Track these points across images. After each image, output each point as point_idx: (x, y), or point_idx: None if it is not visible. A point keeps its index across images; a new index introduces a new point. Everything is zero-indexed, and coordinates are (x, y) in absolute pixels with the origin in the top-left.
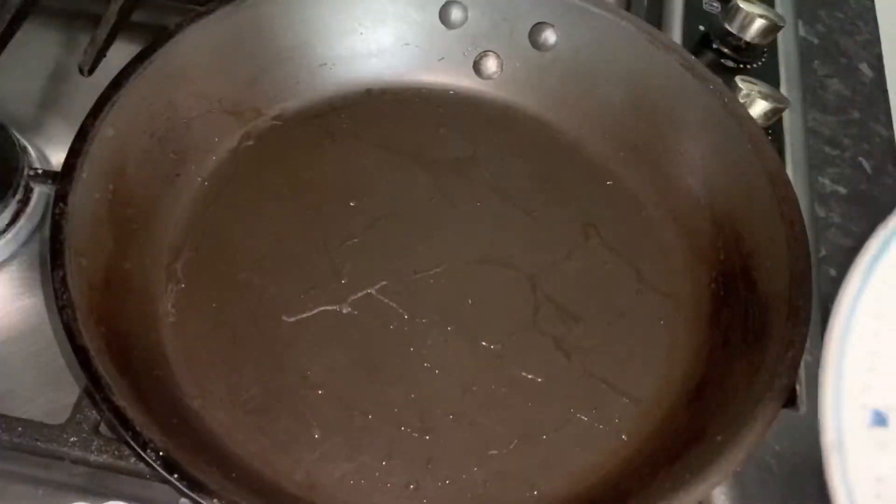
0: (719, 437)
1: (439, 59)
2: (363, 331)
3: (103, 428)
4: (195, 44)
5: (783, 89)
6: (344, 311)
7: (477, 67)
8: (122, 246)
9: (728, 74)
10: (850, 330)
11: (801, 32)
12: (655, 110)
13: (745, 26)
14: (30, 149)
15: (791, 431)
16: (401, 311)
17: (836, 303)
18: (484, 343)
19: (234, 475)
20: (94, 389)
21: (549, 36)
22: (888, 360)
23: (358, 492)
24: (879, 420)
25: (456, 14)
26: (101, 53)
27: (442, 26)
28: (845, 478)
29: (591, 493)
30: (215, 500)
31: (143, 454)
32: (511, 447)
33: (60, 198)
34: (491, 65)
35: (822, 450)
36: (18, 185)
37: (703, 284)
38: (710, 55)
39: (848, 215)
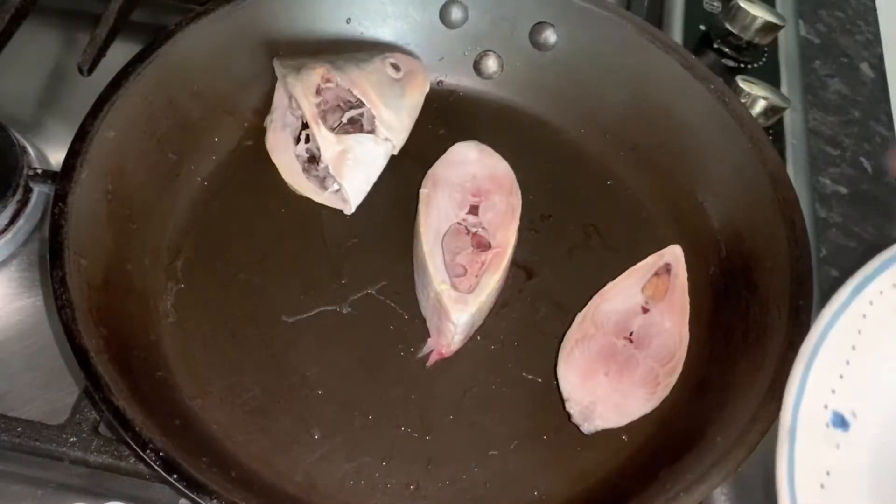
0: (719, 438)
1: (439, 59)
2: (363, 331)
3: (102, 428)
4: (194, 44)
5: (784, 89)
6: (344, 311)
7: (477, 67)
8: (122, 246)
9: (729, 74)
10: (827, 336)
11: (802, 32)
12: (656, 110)
13: (745, 26)
14: (29, 149)
15: None
16: (400, 311)
17: (828, 304)
18: (484, 343)
19: (233, 475)
20: (94, 390)
21: (550, 36)
22: (859, 373)
23: (358, 492)
24: (840, 423)
25: (456, 14)
26: (100, 53)
27: (442, 26)
28: (791, 464)
29: (591, 493)
30: (215, 501)
31: (142, 454)
32: (511, 447)
33: (60, 198)
34: (491, 64)
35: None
36: (18, 185)
37: (703, 284)
38: (710, 55)
39: (849, 215)
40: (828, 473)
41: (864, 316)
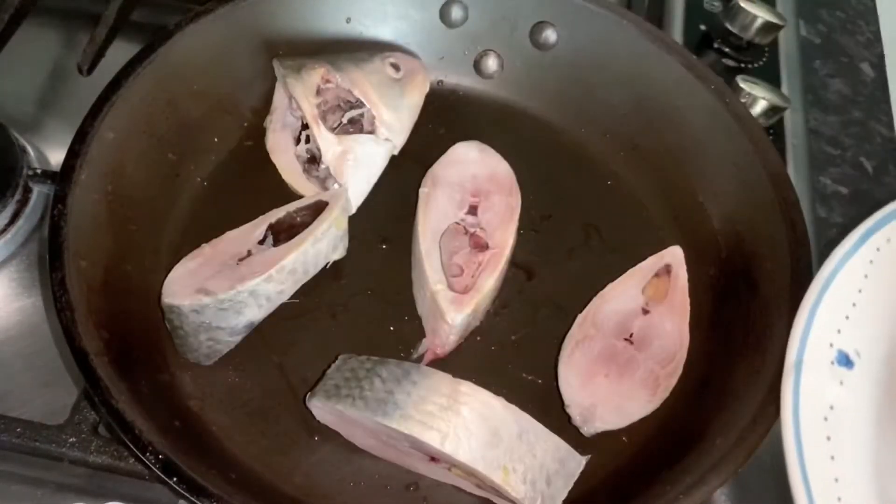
0: (720, 440)
1: (440, 59)
2: (362, 331)
3: (102, 429)
4: (194, 43)
5: (784, 89)
6: (343, 311)
7: (477, 67)
8: (122, 247)
9: (729, 74)
10: (835, 278)
11: (803, 32)
12: (656, 110)
13: (746, 26)
14: (29, 149)
15: None
16: (400, 311)
17: (837, 248)
18: (483, 344)
19: (233, 477)
20: (93, 392)
21: (550, 35)
22: (864, 315)
23: (358, 494)
24: (844, 361)
25: (456, 13)
26: (100, 53)
27: (442, 25)
28: (796, 397)
29: (592, 494)
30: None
31: (142, 458)
32: None
33: (59, 199)
34: (491, 64)
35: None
36: (17, 186)
37: (703, 285)
38: (711, 55)
39: (849, 215)
40: (831, 408)
41: (871, 262)
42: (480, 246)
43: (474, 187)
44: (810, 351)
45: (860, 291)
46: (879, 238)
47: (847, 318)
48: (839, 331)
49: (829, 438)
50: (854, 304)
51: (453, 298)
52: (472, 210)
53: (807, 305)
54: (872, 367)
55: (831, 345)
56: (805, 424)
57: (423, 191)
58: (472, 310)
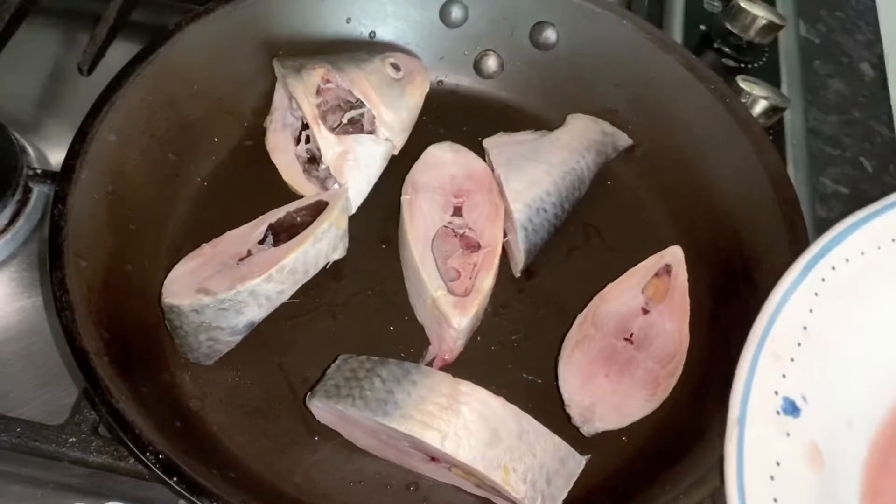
0: (719, 440)
1: (440, 59)
2: (363, 332)
3: (102, 429)
4: (194, 43)
5: (784, 89)
6: (344, 311)
7: (477, 67)
8: (122, 247)
9: (729, 74)
10: (778, 317)
11: (803, 32)
12: (657, 110)
13: (746, 26)
14: (29, 149)
15: None
16: (400, 312)
17: (779, 283)
18: (484, 344)
19: (233, 476)
20: (94, 392)
21: (550, 35)
22: (811, 354)
23: (358, 493)
24: (790, 409)
25: (456, 13)
26: (100, 53)
27: (442, 25)
28: (739, 456)
29: (591, 494)
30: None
31: (142, 457)
32: None
33: (59, 199)
34: (491, 64)
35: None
36: (17, 185)
37: (703, 284)
38: (711, 55)
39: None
40: (778, 464)
41: (817, 294)
42: (472, 246)
43: (455, 188)
44: (754, 403)
45: (805, 329)
46: (823, 267)
47: (792, 360)
48: (784, 375)
49: (775, 500)
50: (799, 344)
51: (455, 302)
52: (457, 211)
53: (748, 353)
54: (820, 412)
55: (776, 392)
56: (750, 486)
57: (404, 198)
58: (475, 311)
